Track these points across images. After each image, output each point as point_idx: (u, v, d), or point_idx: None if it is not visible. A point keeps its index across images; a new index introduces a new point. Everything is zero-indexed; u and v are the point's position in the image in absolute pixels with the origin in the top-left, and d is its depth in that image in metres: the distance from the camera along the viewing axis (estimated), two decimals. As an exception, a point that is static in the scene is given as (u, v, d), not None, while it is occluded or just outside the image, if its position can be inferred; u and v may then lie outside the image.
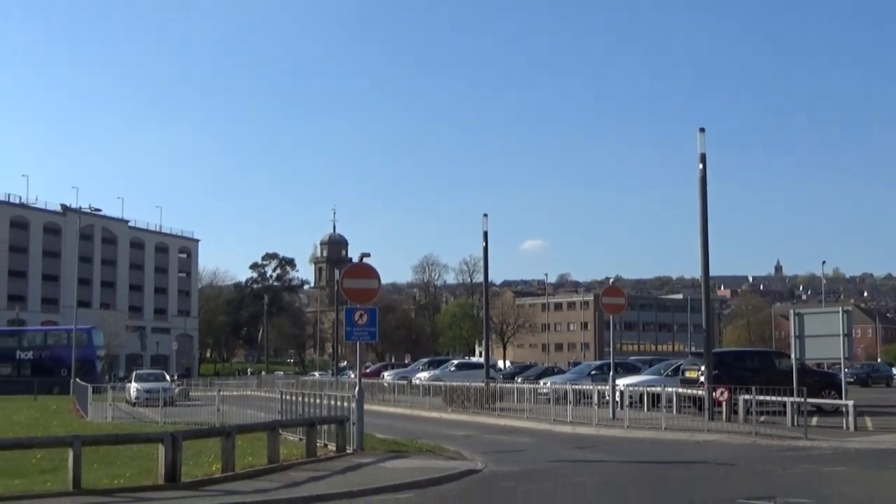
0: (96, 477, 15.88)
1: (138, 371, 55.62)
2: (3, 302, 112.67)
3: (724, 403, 26.59)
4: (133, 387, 47.47)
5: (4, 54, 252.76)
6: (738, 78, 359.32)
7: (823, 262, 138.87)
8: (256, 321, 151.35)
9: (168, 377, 56.43)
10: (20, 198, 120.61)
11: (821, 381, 32.49)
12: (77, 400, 45.07)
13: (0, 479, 16.08)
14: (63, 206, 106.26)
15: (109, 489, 14.88)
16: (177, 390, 51.08)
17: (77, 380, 53.96)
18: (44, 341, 74.92)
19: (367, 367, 69.25)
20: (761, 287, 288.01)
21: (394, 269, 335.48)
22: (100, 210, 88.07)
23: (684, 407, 29.60)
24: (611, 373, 32.26)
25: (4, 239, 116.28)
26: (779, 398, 25.97)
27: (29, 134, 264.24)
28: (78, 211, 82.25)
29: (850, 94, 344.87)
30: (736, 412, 26.21)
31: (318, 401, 23.38)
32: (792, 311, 29.75)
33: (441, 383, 42.96)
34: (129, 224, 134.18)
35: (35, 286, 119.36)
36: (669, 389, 29.22)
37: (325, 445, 20.73)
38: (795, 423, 24.94)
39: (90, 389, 38.15)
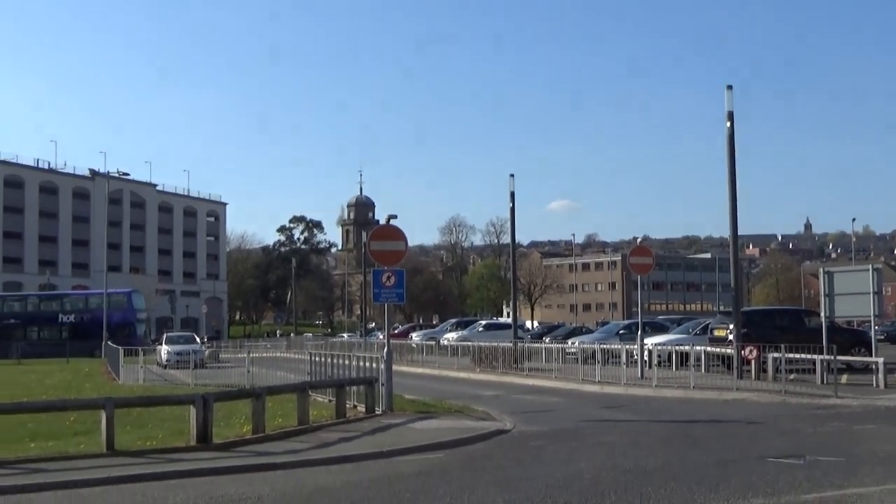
0: (129, 439, 16.09)
1: (169, 334, 56.21)
2: (35, 267, 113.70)
3: (752, 362, 26.50)
4: (164, 349, 47.96)
5: (30, 20, 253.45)
6: (767, 33, 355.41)
7: (853, 220, 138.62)
8: (284, 284, 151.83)
9: (198, 340, 56.89)
10: (49, 163, 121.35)
11: (851, 338, 32.41)
12: (109, 362, 45.51)
13: (35, 441, 16.32)
14: (91, 170, 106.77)
15: (142, 450, 15.06)
16: (207, 352, 51.51)
17: (109, 343, 54.47)
18: (85, 305, 75.89)
19: (395, 329, 69.66)
20: (790, 246, 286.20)
21: (421, 231, 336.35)
22: (128, 174, 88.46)
23: (713, 366, 29.55)
24: (639, 332, 32.26)
25: (34, 204, 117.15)
26: (808, 356, 25.84)
27: (56, 99, 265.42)
28: (106, 175, 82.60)
29: (882, 47, 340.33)
30: (765, 370, 26.16)
31: (346, 362, 23.55)
32: (822, 270, 29.57)
33: (469, 344, 43.07)
34: (158, 188, 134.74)
35: (65, 251, 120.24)
36: (698, 348, 29.15)
37: (355, 406, 20.89)
38: (825, 381, 24.84)
39: (122, 352, 38.53)
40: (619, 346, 32.31)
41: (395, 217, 22.84)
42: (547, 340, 46.22)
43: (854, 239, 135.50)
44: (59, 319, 74.80)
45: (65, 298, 80.00)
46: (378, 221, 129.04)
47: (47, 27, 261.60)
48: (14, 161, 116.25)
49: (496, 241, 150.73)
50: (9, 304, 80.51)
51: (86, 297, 79.36)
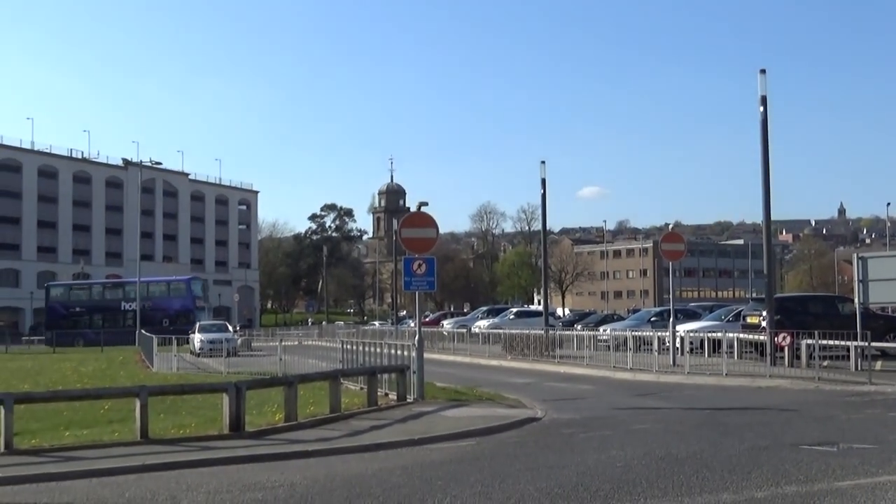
0: (162, 426, 16.20)
1: (202, 322, 56.49)
2: (69, 256, 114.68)
3: (786, 349, 26.35)
4: (197, 338, 48.18)
5: (64, 11, 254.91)
6: (800, 16, 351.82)
7: (888, 204, 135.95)
8: (316, 272, 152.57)
9: (231, 328, 57.15)
10: (82, 153, 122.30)
11: (885, 325, 32.09)
12: (143, 351, 45.84)
13: (69, 429, 16.46)
14: (125, 160, 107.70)
15: (175, 438, 15.16)
16: (239, 341, 51.79)
17: (142, 331, 54.83)
18: (147, 292, 76.53)
19: (426, 317, 69.70)
20: (824, 231, 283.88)
21: (452, 218, 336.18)
22: (160, 163, 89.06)
23: (745, 353, 29.40)
24: (671, 319, 32.09)
25: (68, 194, 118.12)
26: (842, 343, 25.66)
27: (89, 89, 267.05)
28: (139, 164, 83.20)
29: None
30: (798, 357, 25.98)
31: (378, 350, 23.59)
32: (855, 255, 29.36)
33: (500, 331, 43.06)
34: (190, 177, 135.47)
35: (99, 240, 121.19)
36: (730, 335, 28.99)
37: (386, 394, 20.93)
38: (859, 368, 24.68)
39: (155, 341, 38.79)
40: (651, 334, 32.21)
41: (426, 204, 22.73)
42: (578, 328, 46.13)
43: (889, 224, 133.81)
44: (122, 307, 75.54)
45: (127, 286, 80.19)
46: (409, 209, 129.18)
47: (80, 18, 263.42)
48: (48, 151, 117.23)
49: (527, 228, 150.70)
50: (75, 293, 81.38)
51: (146, 285, 79.93)
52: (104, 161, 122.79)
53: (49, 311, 79.52)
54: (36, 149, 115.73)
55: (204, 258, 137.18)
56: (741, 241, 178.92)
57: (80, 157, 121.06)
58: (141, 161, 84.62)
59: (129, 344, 59.22)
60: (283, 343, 35.67)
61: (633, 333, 31.69)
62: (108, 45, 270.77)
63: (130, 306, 74.52)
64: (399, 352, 22.28)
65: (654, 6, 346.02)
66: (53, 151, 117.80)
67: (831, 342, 25.57)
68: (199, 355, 44.71)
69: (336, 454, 13.95)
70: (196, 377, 30.86)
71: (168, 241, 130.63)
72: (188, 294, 75.05)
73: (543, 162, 41.85)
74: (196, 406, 19.36)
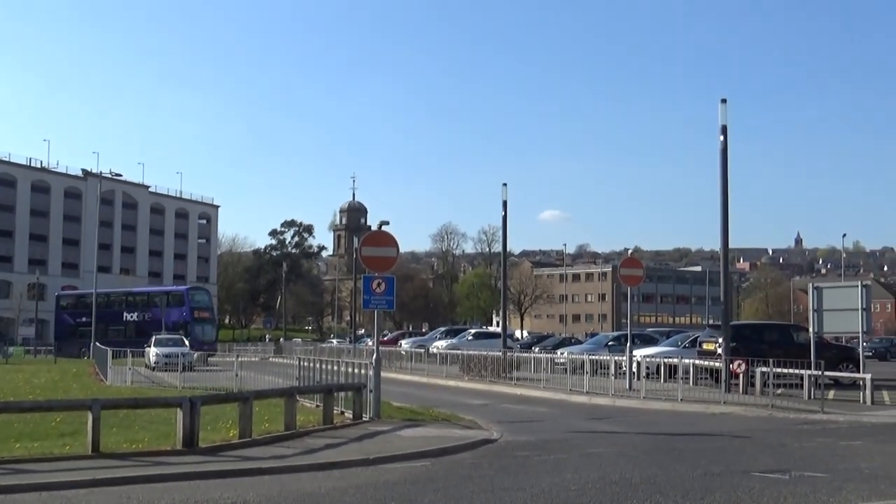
0: (115, 441, 16.04)
1: (158, 336, 55.95)
2: (25, 266, 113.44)
3: (740, 376, 26.57)
4: (152, 352, 47.75)
5: (25, 17, 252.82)
6: (760, 48, 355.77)
7: (844, 236, 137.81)
8: (275, 288, 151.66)
9: (187, 342, 56.63)
10: (41, 162, 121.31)
11: (838, 354, 32.54)
12: (97, 364, 45.37)
13: (20, 441, 16.27)
14: (84, 170, 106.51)
15: (128, 453, 15.01)
16: (195, 356, 51.33)
17: (97, 343, 54.22)
18: (147, 302, 75.65)
19: (384, 336, 69.55)
20: (781, 260, 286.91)
21: (412, 238, 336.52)
22: (120, 175, 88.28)
23: (701, 379, 29.58)
24: (628, 344, 32.25)
25: (26, 203, 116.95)
26: (796, 371, 25.88)
27: (50, 99, 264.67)
28: (99, 176, 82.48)
29: (872, 65, 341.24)
30: (753, 385, 26.19)
31: (335, 368, 23.54)
32: (811, 285, 29.65)
33: (458, 352, 43.07)
34: (150, 189, 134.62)
35: (56, 250, 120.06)
36: (686, 361, 29.18)
37: (342, 413, 20.87)
38: (812, 397, 24.90)
39: (110, 353, 38.41)
40: (608, 358, 32.33)
41: (387, 223, 22.82)
42: (536, 350, 46.30)
43: (844, 255, 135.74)
44: (124, 318, 74.62)
45: (130, 296, 79.58)
46: (370, 227, 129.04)
47: (42, 26, 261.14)
48: (6, 159, 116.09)
49: (488, 249, 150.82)
50: (83, 303, 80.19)
51: (147, 295, 79.05)
52: (63, 171, 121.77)
53: (58, 322, 79.05)
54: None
55: (162, 271, 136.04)
56: (699, 268, 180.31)
57: (38, 166, 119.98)
58: (101, 172, 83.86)
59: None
60: (239, 359, 35.42)
61: (590, 357, 31.81)
62: (68, 56, 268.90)
63: (131, 316, 73.81)
64: (356, 370, 22.23)
65: (614, 35, 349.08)
66: (12, 160, 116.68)
67: (785, 370, 25.77)
68: (154, 369, 44.32)
69: (290, 472, 13.87)
70: (150, 391, 30.60)
71: (126, 253, 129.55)
72: (186, 305, 73.92)
73: (505, 184, 41.98)
74: (149, 420, 19.20)
